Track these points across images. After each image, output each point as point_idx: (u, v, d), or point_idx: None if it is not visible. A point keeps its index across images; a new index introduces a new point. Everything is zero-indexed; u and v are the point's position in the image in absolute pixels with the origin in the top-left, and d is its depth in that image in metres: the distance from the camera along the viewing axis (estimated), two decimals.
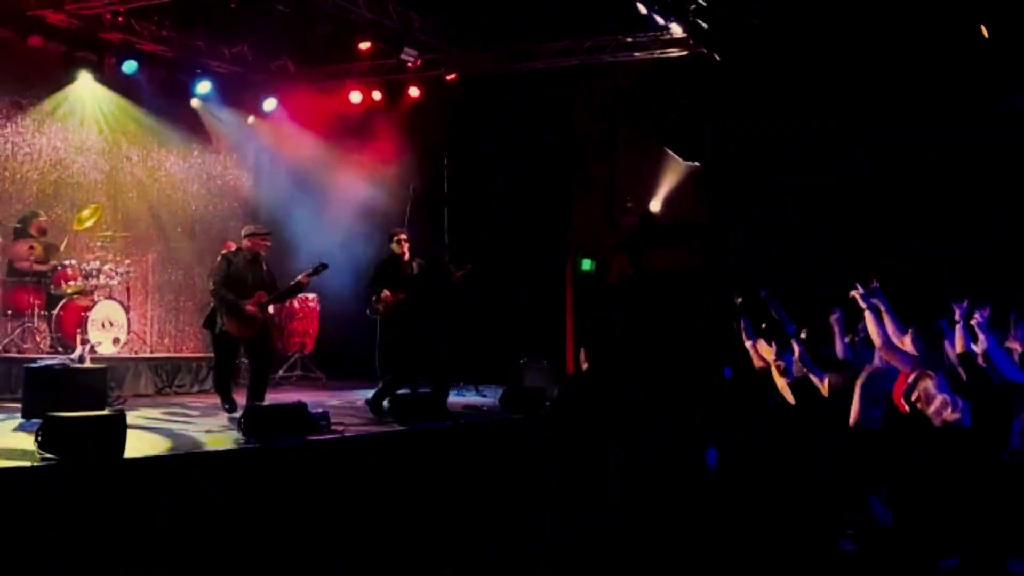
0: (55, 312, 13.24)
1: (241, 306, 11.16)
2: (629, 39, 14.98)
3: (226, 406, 11.27)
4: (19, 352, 12.94)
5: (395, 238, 12.73)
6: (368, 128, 17.49)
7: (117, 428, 7.84)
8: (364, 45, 15.38)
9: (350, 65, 16.64)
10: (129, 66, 15.05)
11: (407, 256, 12.74)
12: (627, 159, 17.74)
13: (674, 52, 14.76)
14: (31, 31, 13.89)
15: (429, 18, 15.32)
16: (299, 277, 11.55)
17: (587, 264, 18.02)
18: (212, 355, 12.09)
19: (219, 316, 11.22)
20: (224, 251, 11.70)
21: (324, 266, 11.60)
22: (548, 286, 17.60)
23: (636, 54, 15.17)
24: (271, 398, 11.57)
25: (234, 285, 11.22)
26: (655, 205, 17.56)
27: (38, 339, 13.23)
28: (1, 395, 11.97)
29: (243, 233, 11.70)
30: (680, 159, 16.53)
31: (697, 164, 16.75)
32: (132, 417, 10.32)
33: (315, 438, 9.41)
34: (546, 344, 16.14)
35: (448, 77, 16.52)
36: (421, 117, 17.04)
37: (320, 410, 10.30)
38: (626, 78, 15.74)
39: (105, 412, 8.62)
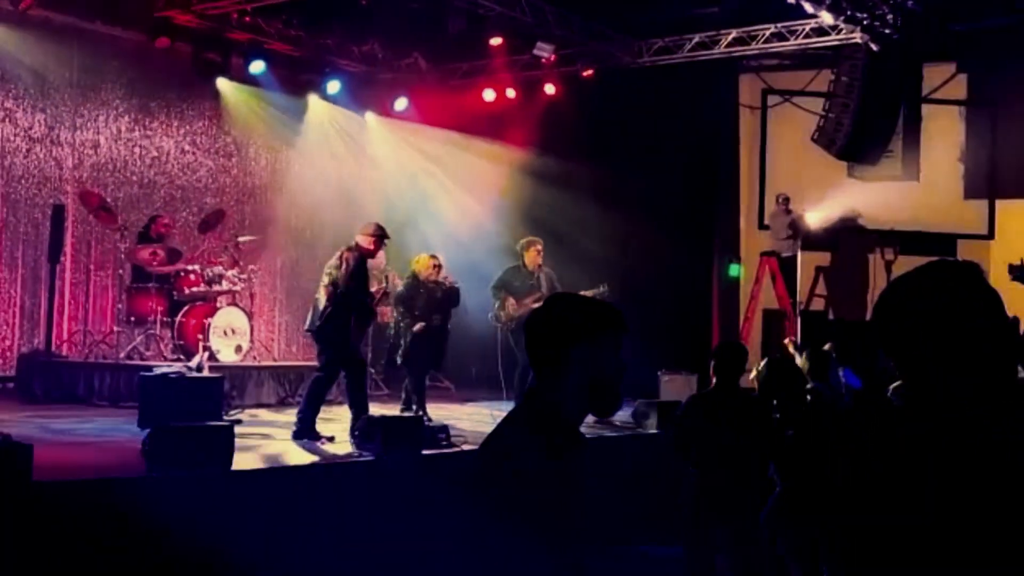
0: (177, 319, 13.63)
1: (376, 313, 11.16)
2: (776, 28, 14.79)
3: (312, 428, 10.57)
4: (142, 359, 13.39)
5: (526, 245, 12.89)
6: (502, 128, 17.62)
7: (226, 439, 8.07)
8: (495, 41, 15.52)
9: (483, 62, 16.78)
10: (256, 66, 15.43)
11: (536, 266, 12.90)
12: (777, 156, 17.48)
13: (825, 42, 14.52)
14: (159, 32, 14.36)
15: (564, 11, 15.37)
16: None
17: (735, 270, 17.81)
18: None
19: (349, 324, 10.66)
20: (353, 249, 10.79)
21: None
22: (693, 293, 17.44)
23: (784, 44, 14.98)
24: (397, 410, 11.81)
25: (367, 289, 11.15)
26: (807, 207, 17.21)
27: (161, 346, 13.66)
28: (124, 403, 12.40)
29: (370, 232, 11.00)
30: (834, 157, 16.18)
31: (853, 162, 16.40)
32: (248, 428, 10.74)
33: (432, 452, 9.52)
34: (689, 355, 15.96)
35: (585, 73, 16.55)
36: (557, 115, 17.06)
37: (440, 423, 10.45)
38: (774, 70, 15.50)
39: (213, 423, 8.86)
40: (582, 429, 3.16)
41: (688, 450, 7.67)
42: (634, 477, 10.84)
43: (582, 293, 12.71)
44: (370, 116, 17.99)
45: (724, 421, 7.45)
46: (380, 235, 11.01)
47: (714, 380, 7.67)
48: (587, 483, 3.05)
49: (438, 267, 12.48)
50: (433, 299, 12.37)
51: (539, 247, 13.06)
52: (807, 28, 14.41)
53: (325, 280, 10.71)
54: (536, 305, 12.60)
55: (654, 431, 11.84)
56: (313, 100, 17.06)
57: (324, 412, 10.82)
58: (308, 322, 11.04)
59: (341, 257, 10.63)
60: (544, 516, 2.85)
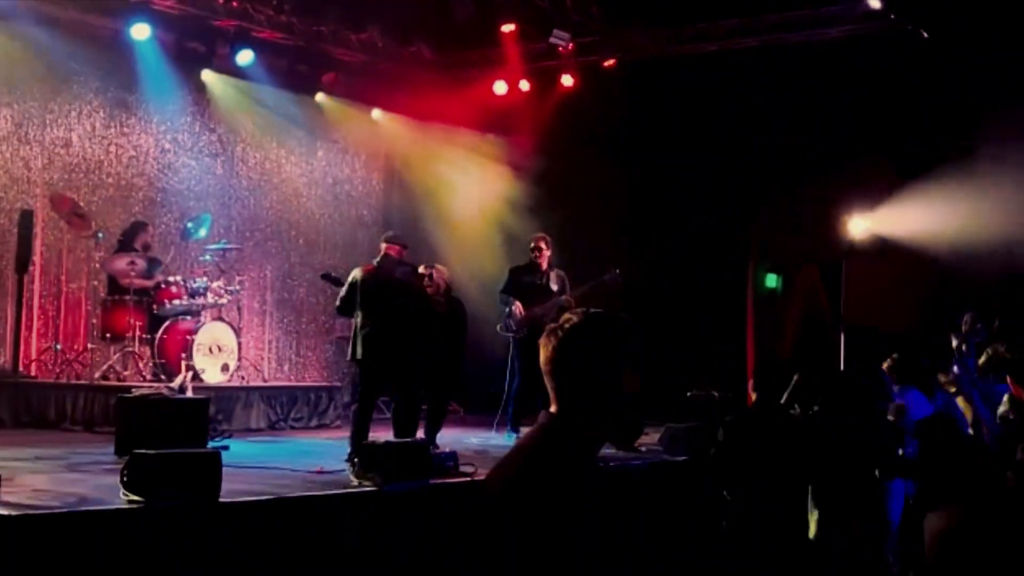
0: (157, 335, 13.66)
1: None
2: (817, 14, 14.79)
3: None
4: (119, 380, 13.41)
5: (532, 244, 12.94)
6: (514, 123, 17.59)
7: (211, 467, 8.04)
8: (507, 28, 15.52)
9: (493, 51, 16.80)
10: (244, 57, 15.45)
11: (545, 265, 12.94)
12: (819, 153, 17.39)
13: (871, 28, 14.51)
14: (136, 20, 14.39)
15: None
16: None
17: (771, 280, 17.74)
18: (357, 386, 11.77)
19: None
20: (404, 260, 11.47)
21: None
22: (725, 304, 17.37)
23: (827, 31, 14.97)
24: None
25: None
26: (855, 212, 17.15)
27: (140, 365, 13.66)
28: (100, 428, 12.41)
29: (401, 242, 11.57)
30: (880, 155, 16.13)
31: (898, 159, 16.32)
32: (236, 455, 10.71)
33: (439, 481, 9.49)
34: (721, 374, 15.91)
35: (606, 63, 16.53)
36: (575, 110, 17.04)
37: (447, 449, 10.43)
38: (816, 59, 15.46)
39: (199, 449, 8.85)
40: (605, 455, 3.16)
41: (730, 477, 7.63)
42: (662, 509, 10.81)
43: (592, 282, 12.80)
44: (369, 110, 17.98)
45: (771, 445, 7.42)
46: (405, 244, 11.44)
47: (754, 397, 7.64)
48: (605, 516, 3.04)
49: (429, 276, 11.78)
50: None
51: (546, 243, 13.10)
52: (853, 12, 14.40)
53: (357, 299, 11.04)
54: (543, 309, 12.68)
55: (683, 458, 11.78)
56: (306, 93, 17.05)
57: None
58: (360, 351, 11.12)
59: (397, 280, 11.12)
60: (555, 554, 2.85)
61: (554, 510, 2.91)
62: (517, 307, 13.02)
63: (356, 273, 11.23)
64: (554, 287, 13.16)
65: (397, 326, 10.96)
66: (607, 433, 3.12)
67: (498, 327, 13.37)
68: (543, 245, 13.16)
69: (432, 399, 11.93)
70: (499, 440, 12.89)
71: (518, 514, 2.90)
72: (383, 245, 11.39)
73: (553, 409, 3.12)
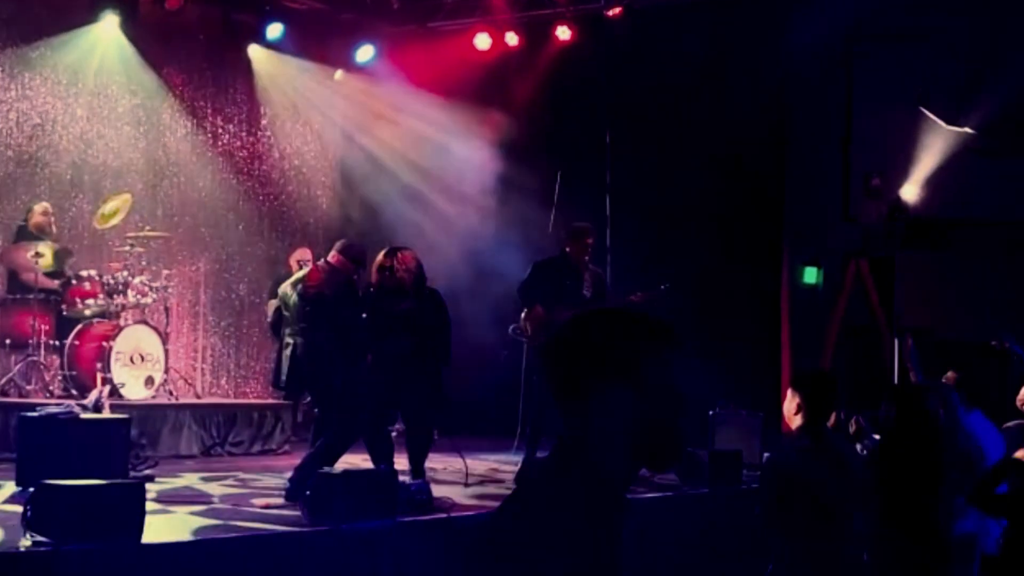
0: (68, 341, 13.66)
1: None
2: None
3: None
4: (21, 395, 13.37)
5: (579, 237, 12.68)
6: (500, 84, 17.60)
7: (134, 502, 8.06)
8: None
9: None
10: (172, 2, 15.39)
11: (586, 261, 12.75)
12: (867, 121, 17.43)
13: None
14: None
15: None
16: None
17: (810, 274, 17.75)
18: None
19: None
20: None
21: None
22: (754, 304, 17.39)
23: None
24: (352, 461, 11.74)
25: None
26: (909, 190, 17.21)
27: (46, 378, 13.64)
28: None
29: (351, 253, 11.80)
30: (943, 123, 16.18)
31: (969, 131, 16.37)
32: (162, 487, 10.72)
33: (410, 519, 9.53)
34: (751, 388, 15.95)
35: (609, 12, 16.55)
36: (572, 68, 17.08)
37: (419, 480, 10.46)
38: (860, 5, 15.50)
39: (118, 480, 8.86)
40: None
41: (779, 519, 7.62)
42: (679, 548, 10.84)
43: (633, 297, 12.70)
44: (325, 71, 17.98)
45: (825, 476, 7.42)
46: (358, 259, 11.53)
47: (801, 420, 7.62)
48: (623, 559, 3.05)
49: (388, 268, 11.32)
50: (393, 315, 11.37)
51: (590, 239, 12.85)
52: None
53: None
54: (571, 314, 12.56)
55: (705, 490, 11.82)
56: (248, 50, 17.04)
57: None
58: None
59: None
60: None
61: (573, 552, 2.92)
62: (538, 310, 12.68)
63: (283, 288, 11.69)
64: (586, 293, 12.85)
65: (328, 342, 11.23)
66: (637, 451, 3.08)
67: (510, 329, 13.18)
68: (588, 239, 12.73)
69: (410, 418, 11.69)
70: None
71: (526, 559, 2.90)
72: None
73: (567, 429, 3.08)
